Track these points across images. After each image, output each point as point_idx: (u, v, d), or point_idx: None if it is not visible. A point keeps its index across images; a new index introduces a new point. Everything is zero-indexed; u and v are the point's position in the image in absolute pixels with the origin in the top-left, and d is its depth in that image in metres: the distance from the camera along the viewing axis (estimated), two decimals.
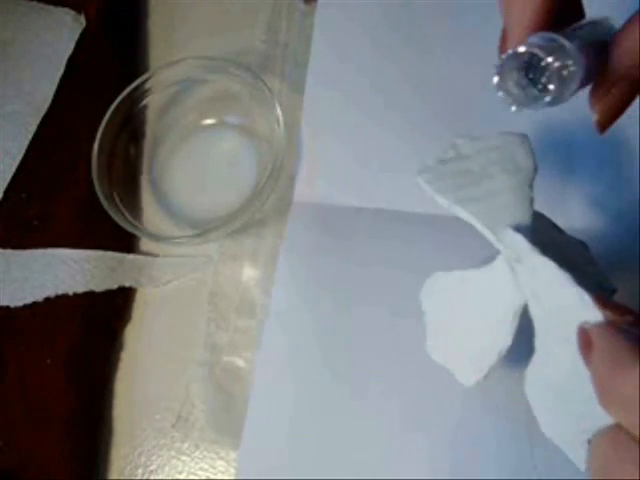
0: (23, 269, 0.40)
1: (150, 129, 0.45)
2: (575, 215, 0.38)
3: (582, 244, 0.33)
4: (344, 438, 0.36)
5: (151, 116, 0.45)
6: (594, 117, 0.26)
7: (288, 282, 0.39)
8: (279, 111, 0.40)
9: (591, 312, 0.23)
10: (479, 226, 0.28)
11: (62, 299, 0.39)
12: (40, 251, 0.41)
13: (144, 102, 0.44)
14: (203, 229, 0.39)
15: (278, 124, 0.40)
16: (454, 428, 0.35)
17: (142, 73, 0.43)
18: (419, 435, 0.35)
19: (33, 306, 0.39)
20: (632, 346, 0.20)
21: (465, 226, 0.35)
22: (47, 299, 0.39)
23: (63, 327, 0.39)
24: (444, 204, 0.29)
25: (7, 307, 0.40)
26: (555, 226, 0.33)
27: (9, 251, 0.41)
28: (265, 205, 0.41)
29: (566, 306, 0.24)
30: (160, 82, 0.44)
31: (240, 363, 0.38)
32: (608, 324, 0.22)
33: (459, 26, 0.43)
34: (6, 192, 0.42)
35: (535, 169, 0.29)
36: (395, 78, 0.43)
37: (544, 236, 0.28)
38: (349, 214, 0.41)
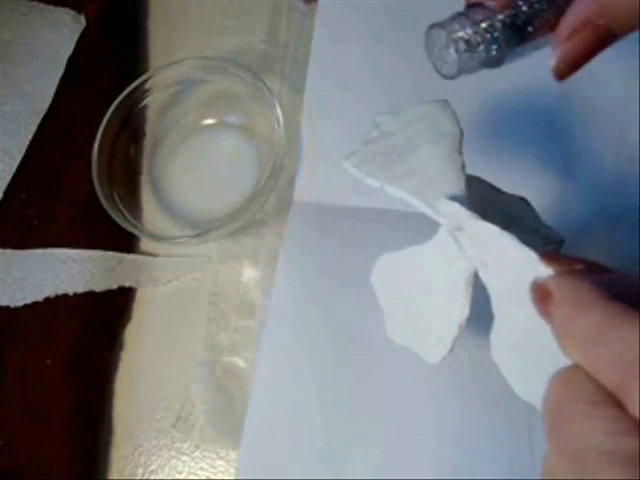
0: (23, 269, 0.40)
1: (150, 129, 0.45)
2: (573, 212, 0.38)
3: (523, 200, 0.32)
4: (344, 438, 0.36)
5: (151, 116, 0.45)
6: (552, 61, 0.25)
7: (288, 282, 0.39)
8: (279, 111, 0.40)
9: (541, 269, 0.23)
10: (413, 201, 0.27)
11: (62, 299, 0.39)
12: (40, 251, 0.41)
13: (144, 102, 0.44)
14: (203, 229, 0.39)
15: (278, 124, 0.40)
16: (454, 428, 0.35)
17: (142, 73, 0.43)
18: (421, 435, 0.35)
19: (33, 306, 0.39)
20: (592, 287, 0.20)
21: None
22: (47, 299, 0.39)
23: (63, 327, 0.39)
24: (375, 185, 0.28)
25: (7, 307, 0.40)
26: (492, 187, 0.32)
27: (9, 251, 0.41)
28: (265, 205, 0.41)
29: (515, 267, 0.24)
30: (160, 82, 0.44)
31: (240, 363, 0.39)
32: (563, 273, 0.22)
33: None
34: (6, 192, 0.42)
35: (461, 133, 0.28)
36: (396, 78, 0.43)
37: (483, 199, 0.27)
38: (349, 214, 0.41)
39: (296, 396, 0.37)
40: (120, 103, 0.42)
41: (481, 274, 0.26)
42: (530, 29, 0.25)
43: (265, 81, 0.41)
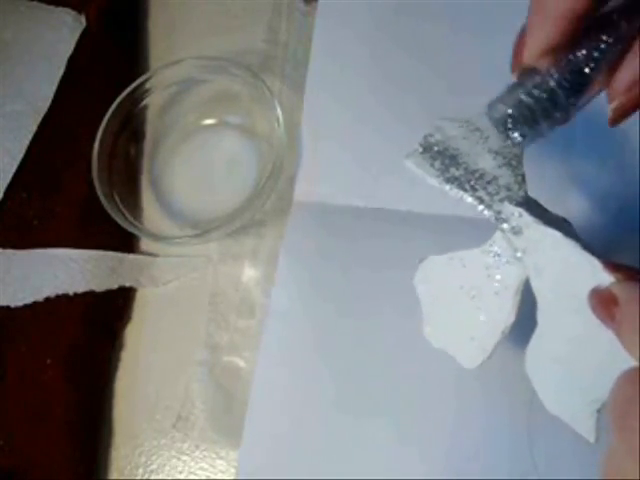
0: (23, 269, 0.40)
1: (150, 129, 0.45)
2: (573, 210, 0.38)
3: (565, 220, 0.33)
4: (344, 438, 0.36)
5: (151, 116, 0.45)
6: (609, 112, 0.26)
7: (288, 282, 0.39)
8: (279, 111, 0.40)
9: (602, 276, 0.23)
10: (474, 202, 0.28)
11: (62, 299, 0.39)
12: (40, 251, 0.41)
13: (144, 102, 0.44)
14: (203, 229, 0.39)
15: (278, 124, 0.40)
16: (454, 428, 0.35)
17: (142, 73, 0.43)
18: (420, 435, 0.35)
19: (33, 306, 0.39)
20: None
21: (465, 225, 0.35)
22: (47, 299, 0.39)
23: (63, 327, 0.39)
24: (435, 184, 0.29)
25: (7, 307, 0.40)
26: (539, 204, 0.33)
27: (9, 251, 0.41)
28: (265, 205, 0.41)
29: (574, 274, 0.24)
30: (160, 82, 0.44)
31: (240, 363, 0.39)
32: (628, 280, 0.23)
33: (460, 23, 0.43)
34: (6, 192, 0.42)
35: (520, 145, 0.29)
36: (396, 77, 0.43)
37: (534, 212, 0.28)
38: (349, 214, 0.41)
39: (296, 396, 0.37)
40: (120, 103, 0.42)
41: (533, 281, 0.26)
42: (586, 82, 0.25)
43: (265, 81, 0.41)
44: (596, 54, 0.25)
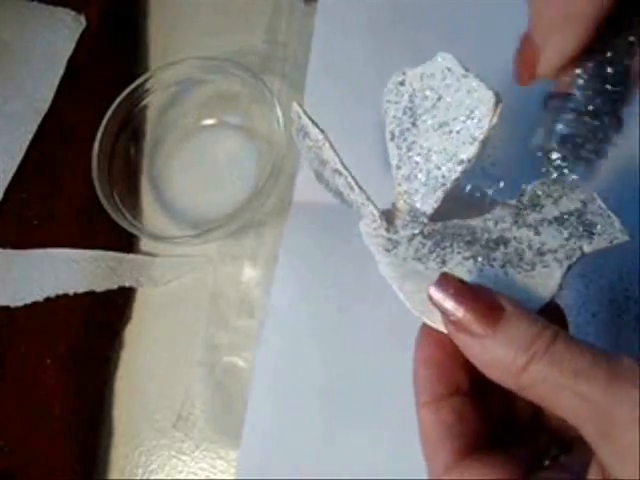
0: (23, 269, 0.40)
1: (150, 129, 0.45)
2: None
3: None
4: (344, 437, 0.36)
5: (151, 116, 0.45)
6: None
7: (288, 282, 0.39)
8: (279, 111, 0.40)
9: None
10: None
11: (62, 299, 0.39)
12: (40, 251, 0.41)
13: (144, 102, 0.44)
14: (203, 229, 0.39)
15: (278, 124, 0.40)
16: None
17: (142, 73, 0.43)
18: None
19: (33, 306, 0.39)
20: None
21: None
22: (47, 299, 0.39)
23: (63, 327, 0.39)
24: None
25: (7, 307, 0.40)
26: None
27: (9, 251, 0.41)
28: (265, 205, 0.41)
29: None
30: (160, 82, 0.44)
31: (240, 363, 0.39)
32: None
33: (460, 25, 0.43)
34: (6, 192, 0.42)
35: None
36: None
37: None
38: (349, 214, 0.40)
39: (296, 396, 0.37)
40: (120, 103, 0.42)
41: None
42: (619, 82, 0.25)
43: (265, 81, 0.41)
44: (612, 54, 0.24)
